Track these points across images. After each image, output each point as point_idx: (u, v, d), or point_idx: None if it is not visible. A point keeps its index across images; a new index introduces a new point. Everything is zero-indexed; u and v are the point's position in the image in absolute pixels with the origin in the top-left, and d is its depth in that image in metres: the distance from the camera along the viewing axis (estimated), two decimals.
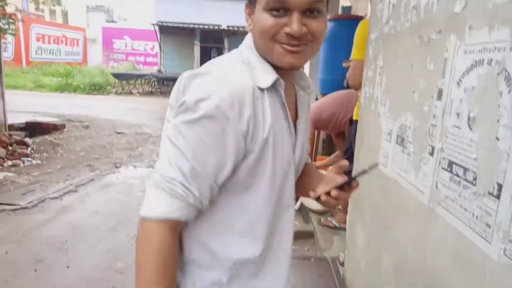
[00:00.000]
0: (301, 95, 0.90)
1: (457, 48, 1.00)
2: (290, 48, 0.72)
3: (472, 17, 0.94)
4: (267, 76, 0.75)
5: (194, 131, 0.67)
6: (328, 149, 4.68)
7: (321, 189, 0.81)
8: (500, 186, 0.78)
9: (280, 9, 0.70)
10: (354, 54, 2.30)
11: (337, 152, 3.71)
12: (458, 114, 0.98)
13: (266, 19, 0.71)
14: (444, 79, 1.07)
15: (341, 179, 0.80)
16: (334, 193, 0.77)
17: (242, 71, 0.74)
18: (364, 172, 0.79)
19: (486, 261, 0.82)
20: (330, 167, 0.82)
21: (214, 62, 0.78)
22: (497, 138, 0.80)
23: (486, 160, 0.84)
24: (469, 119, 0.92)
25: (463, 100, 0.95)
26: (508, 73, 0.78)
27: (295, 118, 0.87)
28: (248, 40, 0.81)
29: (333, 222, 3.04)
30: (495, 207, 0.80)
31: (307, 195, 0.87)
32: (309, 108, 0.97)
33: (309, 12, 0.70)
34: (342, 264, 2.46)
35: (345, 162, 0.82)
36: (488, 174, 0.83)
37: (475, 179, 0.88)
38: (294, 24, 0.69)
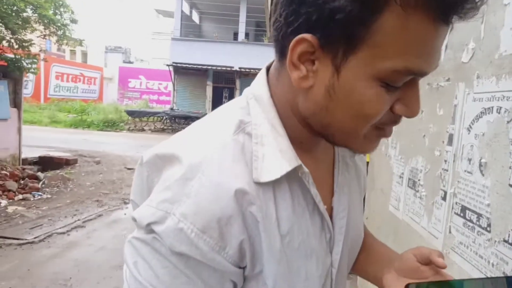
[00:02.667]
0: (343, 151, 0.61)
1: (466, 95, 1.03)
2: (387, 135, 0.48)
3: (480, 67, 0.97)
4: (279, 162, 0.47)
5: (152, 259, 0.44)
6: None
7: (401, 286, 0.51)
8: None
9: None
10: None
11: None
12: (469, 160, 0.99)
13: (379, 97, 0.42)
14: (454, 125, 1.09)
15: (442, 283, 0.51)
16: None
17: (231, 153, 0.47)
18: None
19: None
20: (411, 251, 0.57)
21: (192, 132, 0.52)
22: (510, 185, 0.80)
23: (500, 207, 0.84)
24: (480, 165, 0.93)
25: (474, 146, 0.97)
26: None
27: (331, 192, 0.58)
28: (260, 86, 0.52)
29: None
30: (511, 255, 0.79)
31: (370, 281, 0.66)
32: (360, 169, 0.67)
33: None
34: None
35: (440, 260, 0.52)
36: (502, 220, 0.83)
37: (489, 225, 0.87)
38: (417, 102, 0.44)
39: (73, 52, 26.30)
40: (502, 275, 0.47)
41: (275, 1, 0.46)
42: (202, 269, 0.44)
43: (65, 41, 6.98)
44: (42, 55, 7.09)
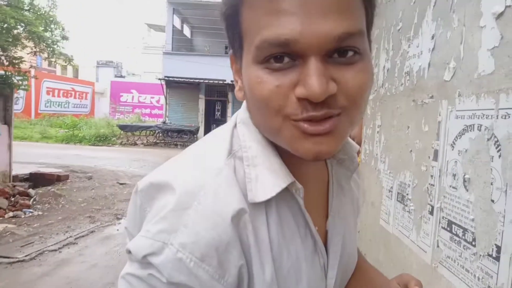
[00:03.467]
0: (337, 173, 0.60)
1: (449, 113, 1.07)
2: (310, 127, 0.42)
3: (461, 86, 1.01)
4: (273, 180, 0.47)
5: None
6: None
7: None
8: (498, 248, 0.80)
9: (283, 56, 0.41)
10: None
11: None
12: (454, 175, 1.02)
13: (262, 81, 0.42)
14: (438, 140, 1.12)
15: None
16: None
17: (224, 178, 0.46)
18: None
19: None
20: (395, 279, 0.61)
21: (186, 159, 0.51)
22: (492, 200, 0.83)
23: (483, 222, 0.86)
24: (464, 180, 0.96)
25: (458, 161, 1.00)
26: (497, 139, 0.83)
27: (326, 215, 0.58)
28: (244, 109, 0.54)
29: None
30: (495, 269, 0.81)
31: None
32: (353, 192, 0.67)
33: (337, 54, 0.42)
34: None
35: (415, 286, 0.57)
36: (486, 235, 0.85)
37: (474, 239, 0.90)
38: (311, 78, 0.40)
39: (64, 67, 26.24)
40: None
41: None
42: None
43: (54, 58, 6.99)
44: (32, 72, 7.07)
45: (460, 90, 1.02)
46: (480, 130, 0.90)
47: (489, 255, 0.83)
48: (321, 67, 0.40)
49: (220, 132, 0.54)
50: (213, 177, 0.46)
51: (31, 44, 6.60)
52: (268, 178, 0.48)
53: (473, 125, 0.94)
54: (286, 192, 0.49)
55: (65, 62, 7.53)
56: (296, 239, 0.51)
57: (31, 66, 7.16)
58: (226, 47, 17.60)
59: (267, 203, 0.48)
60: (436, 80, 1.16)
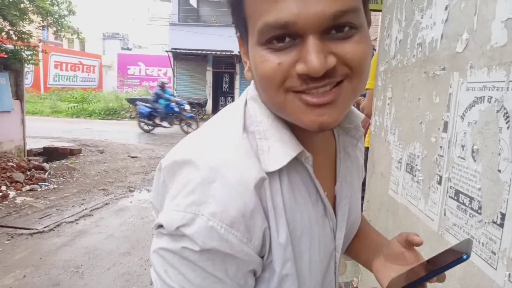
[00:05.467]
0: (344, 141, 0.65)
1: (460, 84, 1.07)
2: (313, 99, 0.46)
3: (473, 58, 1.02)
4: (283, 150, 0.51)
5: (181, 265, 0.47)
6: None
7: (387, 275, 0.60)
8: (503, 215, 0.84)
9: (284, 37, 0.44)
10: (370, 84, 2.38)
11: None
12: (462, 146, 1.04)
13: (265, 60, 0.46)
14: (449, 112, 1.14)
15: (418, 265, 0.58)
16: None
17: (243, 151, 0.50)
18: (455, 261, 0.50)
19: (493, 286, 0.86)
20: (396, 238, 0.63)
21: (204, 136, 0.54)
22: (499, 170, 0.86)
23: (490, 191, 0.90)
24: (472, 151, 0.98)
25: (467, 133, 1.02)
26: (507, 111, 0.85)
27: (334, 181, 0.63)
28: (253, 86, 0.57)
29: None
30: (499, 235, 0.85)
31: (362, 264, 0.72)
32: (358, 159, 0.71)
33: (335, 30, 0.44)
34: None
35: (416, 238, 0.59)
36: (491, 203, 0.89)
37: (480, 208, 0.93)
38: (310, 55, 0.43)
39: (70, 41, 26.07)
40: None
41: None
42: (229, 265, 0.47)
43: (63, 33, 6.96)
44: (41, 46, 7.06)
45: (472, 62, 1.02)
46: (490, 102, 0.92)
47: (493, 222, 0.87)
48: (319, 44, 0.43)
49: (233, 110, 0.57)
50: (233, 151, 0.50)
51: (38, 18, 6.57)
52: (279, 149, 0.51)
53: (483, 97, 0.95)
54: (296, 161, 0.53)
55: (73, 36, 7.50)
56: (308, 204, 0.55)
57: (40, 40, 7.15)
58: None
59: (280, 172, 0.52)
60: (448, 52, 1.16)
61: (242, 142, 0.51)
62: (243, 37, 0.52)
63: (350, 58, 0.45)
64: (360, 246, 0.74)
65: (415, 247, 0.62)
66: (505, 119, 0.85)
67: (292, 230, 0.53)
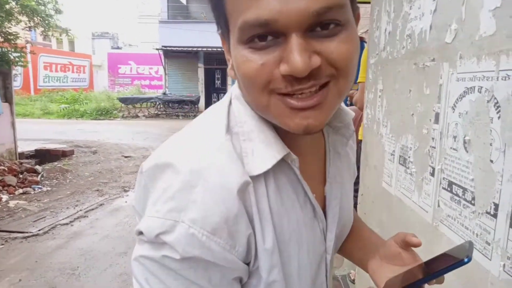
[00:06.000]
0: (334, 141, 0.63)
1: (450, 75, 1.07)
2: (298, 103, 0.44)
3: (462, 48, 1.01)
4: (268, 153, 0.49)
5: (162, 274, 0.45)
6: None
7: (383, 276, 0.59)
8: (496, 206, 0.84)
9: (266, 36, 0.42)
10: (362, 77, 2.38)
11: None
12: (454, 137, 1.04)
13: (247, 60, 0.44)
14: (440, 103, 1.13)
15: (416, 266, 0.56)
16: None
17: (226, 154, 0.48)
18: (456, 263, 0.48)
19: (487, 277, 0.87)
20: (392, 238, 0.62)
21: (186, 138, 0.52)
22: (491, 161, 0.86)
23: (482, 181, 0.89)
24: (464, 142, 0.98)
25: (458, 124, 1.02)
26: (497, 101, 0.84)
27: (324, 182, 0.61)
28: (237, 84, 0.55)
29: None
30: (493, 226, 0.85)
31: (356, 264, 0.71)
32: (350, 158, 0.70)
33: (319, 27, 0.42)
34: (353, 282, 2.48)
35: (414, 239, 0.58)
36: (485, 194, 0.88)
37: (473, 199, 0.93)
38: (294, 55, 0.41)
39: (59, 41, 25.78)
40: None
41: None
42: (213, 273, 0.45)
43: (50, 32, 6.86)
44: (28, 47, 6.97)
45: (461, 52, 1.02)
46: (480, 92, 0.91)
47: (487, 212, 0.87)
48: (302, 43, 0.41)
49: (217, 110, 0.55)
50: (215, 154, 0.48)
51: (25, 18, 6.47)
52: (264, 151, 0.50)
53: (474, 87, 0.94)
54: (283, 163, 0.51)
55: (61, 35, 7.41)
56: (296, 207, 0.54)
57: (27, 42, 7.05)
58: None
59: (265, 174, 0.50)
60: (438, 43, 1.16)
61: (225, 144, 0.49)
62: (225, 34, 0.50)
63: (335, 58, 0.43)
64: (354, 246, 0.73)
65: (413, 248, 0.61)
66: (496, 109, 0.84)
67: (279, 234, 0.51)
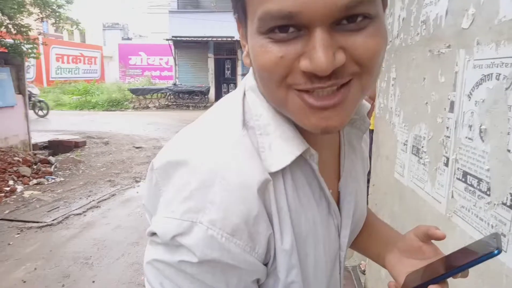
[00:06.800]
0: (349, 134, 0.61)
1: (467, 62, 1.03)
2: (317, 102, 0.41)
3: (480, 33, 0.97)
4: (287, 148, 0.47)
5: (178, 278, 0.43)
6: None
7: (403, 271, 0.57)
8: None
9: (288, 27, 0.39)
10: None
11: None
12: (470, 126, 1.01)
13: (266, 50, 0.41)
14: (455, 92, 1.10)
15: (438, 260, 0.54)
16: None
17: (244, 150, 0.46)
18: (485, 255, 0.46)
19: (502, 269, 0.84)
20: (412, 231, 0.60)
21: (200, 133, 0.49)
22: (508, 150, 0.83)
23: (499, 171, 0.87)
24: (480, 131, 0.95)
25: (475, 112, 0.99)
26: None
27: (338, 177, 0.59)
28: (251, 75, 0.52)
29: None
30: (509, 217, 0.82)
31: (371, 259, 0.69)
32: (364, 151, 0.67)
33: (345, 20, 0.39)
34: (363, 272, 2.47)
35: (437, 232, 0.56)
36: (501, 184, 0.86)
37: (489, 189, 0.91)
38: (317, 52, 0.38)
39: (71, 33, 25.98)
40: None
41: None
42: (231, 276, 0.43)
43: (61, 24, 6.91)
44: (41, 39, 7.02)
45: (478, 38, 0.98)
46: (498, 79, 0.88)
47: (503, 203, 0.84)
48: (327, 38, 0.38)
49: (230, 102, 0.52)
50: (233, 150, 0.45)
51: (36, 10, 6.51)
52: (282, 146, 0.47)
53: (491, 74, 0.91)
54: (299, 158, 0.48)
55: (72, 27, 7.45)
56: (312, 204, 0.51)
57: (39, 33, 7.11)
58: None
59: (283, 171, 0.47)
60: (454, 28, 1.12)
61: (243, 139, 0.46)
62: (242, 20, 0.46)
63: (361, 53, 0.39)
64: (369, 241, 0.70)
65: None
66: None
67: (297, 233, 0.49)
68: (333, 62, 0.38)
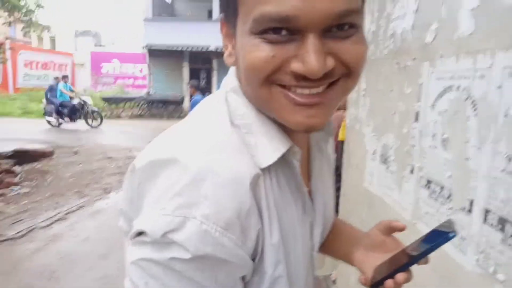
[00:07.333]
0: (316, 136, 0.63)
1: (430, 74, 1.08)
2: (301, 99, 0.44)
3: (442, 47, 1.03)
4: (272, 146, 0.48)
5: (165, 276, 0.42)
6: None
7: (370, 265, 0.60)
8: (471, 202, 0.85)
9: (282, 29, 0.41)
10: None
11: None
12: (433, 135, 1.05)
13: (258, 49, 0.42)
14: (420, 102, 1.15)
15: (400, 251, 0.58)
16: (400, 278, 0.53)
17: (235, 145, 0.47)
18: (442, 239, 0.51)
19: (462, 271, 0.88)
20: (375, 227, 0.64)
21: (187, 131, 0.49)
22: (467, 158, 0.87)
23: (459, 178, 0.91)
24: (443, 140, 0.99)
25: (437, 122, 1.03)
26: (474, 99, 0.85)
27: (308, 177, 0.61)
28: (232, 76, 0.53)
29: None
30: (468, 221, 0.86)
31: (339, 259, 0.71)
32: (329, 154, 0.69)
33: (335, 28, 0.42)
34: (334, 282, 2.49)
35: (399, 224, 0.61)
36: (461, 191, 0.90)
37: (450, 195, 0.95)
38: (310, 56, 0.40)
39: (40, 38, 25.21)
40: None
41: None
42: (219, 271, 0.43)
43: (32, 29, 6.71)
44: (8, 43, 6.78)
45: (441, 52, 1.03)
46: (458, 91, 0.93)
47: (463, 209, 0.88)
48: (319, 44, 0.41)
49: (214, 102, 0.53)
50: (223, 146, 0.46)
51: (4, 14, 6.30)
52: (267, 144, 0.48)
53: (452, 86, 0.96)
54: (280, 158, 0.49)
55: (42, 32, 7.24)
56: (291, 202, 0.52)
57: (6, 38, 6.87)
58: (209, 12, 17.13)
59: (269, 168, 0.48)
60: (419, 42, 1.17)
61: (232, 136, 0.47)
62: (230, 19, 0.47)
63: (348, 58, 0.43)
64: (336, 242, 0.72)
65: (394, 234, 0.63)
66: (473, 107, 0.86)
67: (282, 229, 0.50)
68: (324, 66, 0.41)
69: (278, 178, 0.50)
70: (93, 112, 11.48)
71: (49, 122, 11.44)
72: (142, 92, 18.09)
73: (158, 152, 0.46)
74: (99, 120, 11.50)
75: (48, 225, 4.10)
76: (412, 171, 1.19)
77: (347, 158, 2.06)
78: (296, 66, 0.41)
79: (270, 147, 0.48)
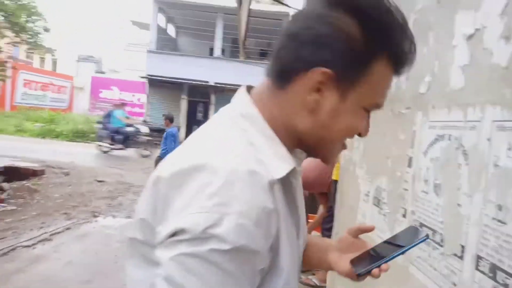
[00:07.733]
0: (296, 160, 0.73)
1: (423, 123, 1.15)
2: (345, 146, 0.66)
3: (435, 99, 1.10)
4: (282, 164, 0.57)
5: (211, 267, 0.47)
6: (310, 206, 4.75)
7: (345, 263, 0.69)
8: (463, 248, 0.88)
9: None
10: None
11: (320, 209, 3.79)
12: (426, 181, 1.10)
13: (361, 120, 0.60)
14: (413, 149, 1.20)
15: (377, 245, 0.70)
16: (376, 272, 0.65)
17: (253, 157, 0.54)
18: (419, 240, 0.66)
19: None
20: (346, 232, 0.74)
21: (210, 143, 0.57)
22: (459, 204, 0.91)
23: (451, 224, 0.94)
24: (435, 186, 1.04)
25: (430, 168, 1.08)
26: (465, 148, 0.91)
27: None
28: (246, 105, 0.61)
29: (314, 280, 3.05)
30: (459, 267, 0.89)
31: (314, 267, 0.80)
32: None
33: None
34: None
35: (367, 225, 0.73)
36: (453, 236, 0.93)
37: (442, 240, 0.98)
38: (368, 126, 0.63)
39: (42, 60, 25.57)
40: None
41: (282, 32, 0.60)
42: (249, 263, 0.50)
43: (36, 50, 6.85)
44: (9, 63, 6.89)
45: (434, 103, 1.10)
46: (450, 140, 0.99)
47: (454, 254, 0.91)
48: None
49: (227, 120, 0.61)
50: (245, 157, 0.53)
51: (11, 34, 6.45)
52: (278, 161, 0.57)
53: (444, 135, 1.02)
54: (286, 178, 0.58)
55: (45, 54, 7.38)
56: (289, 214, 0.61)
57: (9, 57, 6.99)
58: (210, 49, 17.64)
59: (278, 181, 0.56)
60: (413, 92, 1.25)
61: (249, 148, 0.55)
62: (342, 79, 0.56)
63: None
64: (310, 251, 0.80)
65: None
66: (464, 156, 0.91)
67: (283, 232, 0.57)
68: None
69: (285, 191, 0.59)
70: (147, 142, 11.24)
71: (99, 146, 11.34)
72: (139, 120, 18.17)
73: (185, 162, 0.53)
74: (149, 149, 11.14)
75: (31, 245, 4.01)
76: (404, 215, 1.22)
77: (340, 198, 2.10)
78: (363, 132, 0.62)
79: (280, 164, 0.57)
